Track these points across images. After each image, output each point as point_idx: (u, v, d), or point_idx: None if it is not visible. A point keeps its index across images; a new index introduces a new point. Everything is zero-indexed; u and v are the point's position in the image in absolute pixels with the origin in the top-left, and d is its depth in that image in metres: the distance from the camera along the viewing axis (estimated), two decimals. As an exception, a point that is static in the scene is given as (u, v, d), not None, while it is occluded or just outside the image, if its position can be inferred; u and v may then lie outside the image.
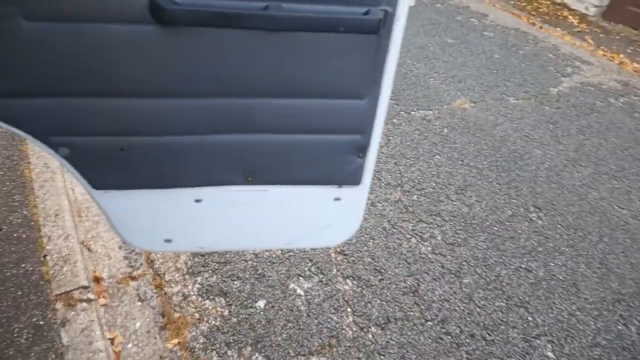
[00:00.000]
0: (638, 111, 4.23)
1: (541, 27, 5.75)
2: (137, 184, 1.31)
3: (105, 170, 1.26)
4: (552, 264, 2.59)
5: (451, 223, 2.73)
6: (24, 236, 2.29)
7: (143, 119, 1.20)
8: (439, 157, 3.26)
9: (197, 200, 1.38)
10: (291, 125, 1.32)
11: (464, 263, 2.50)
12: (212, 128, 1.26)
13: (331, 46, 1.21)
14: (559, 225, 2.85)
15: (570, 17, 6.23)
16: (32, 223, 2.37)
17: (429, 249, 2.54)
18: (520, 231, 2.76)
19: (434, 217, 2.76)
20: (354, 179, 1.48)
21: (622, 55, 5.25)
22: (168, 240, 1.44)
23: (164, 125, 1.22)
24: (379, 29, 1.17)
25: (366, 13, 1.17)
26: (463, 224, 2.74)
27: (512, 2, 6.51)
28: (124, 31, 1.08)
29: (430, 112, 3.76)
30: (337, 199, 1.53)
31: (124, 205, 1.34)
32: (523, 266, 2.55)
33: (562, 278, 2.52)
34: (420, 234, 2.63)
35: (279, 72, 1.22)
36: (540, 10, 6.37)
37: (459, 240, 2.63)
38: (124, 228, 1.39)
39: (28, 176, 2.63)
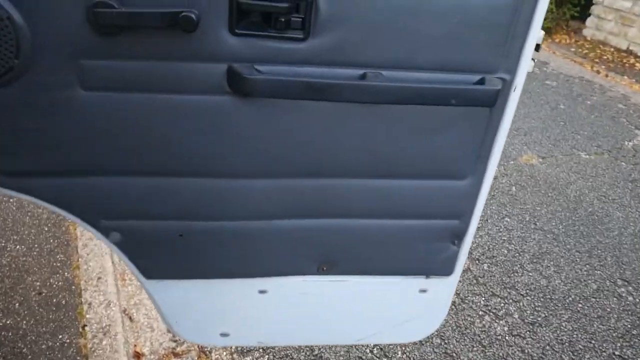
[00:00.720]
0: None
1: (607, 75, 5.44)
2: (195, 274, 1.12)
3: (160, 258, 1.08)
4: (651, 352, 2.22)
5: (528, 298, 2.41)
6: (63, 302, 2.15)
7: (207, 202, 1.02)
8: (508, 219, 2.97)
9: (262, 292, 1.18)
10: (379, 210, 1.11)
11: (548, 348, 2.17)
12: (286, 212, 1.07)
13: (435, 120, 1.00)
14: (654, 303, 2.48)
15: (637, 64, 5.89)
16: (73, 287, 2.23)
17: (506, 329, 2.23)
18: (609, 309, 2.41)
19: (508, 290, 2.45)
20: (445, 269, 1.24)
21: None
22: (225, 334, 1.24)
23: (230, 209, 1.04)
24: (496, 101, 0.96)
25: (480, 81, 0.97)
26: (542, 299, 2.42)
27: (573, 50, 6.24)
28: (193, 102, 0.91)
29: (496, 168, 3.50)
30: (423, 291, 1.29)
31: (178, 296, 1.15)
32: (617, 353, 2.19)
33: (665, 370, 2.14)
34: (494, 311, 2.32)
35: (370, 150, 1.02)
36: (605, 57, 6.06)
37: (539, 319, 2.31)
38: (176, 320, 1.19)
39: (73, 233, 2.52)
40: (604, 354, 2.18)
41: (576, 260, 2.70)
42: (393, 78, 0.94)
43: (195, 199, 1.01)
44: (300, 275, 1.18)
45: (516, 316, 2.31)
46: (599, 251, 2.78)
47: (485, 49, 0.95)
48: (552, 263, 2.66)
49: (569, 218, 3.04)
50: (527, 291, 2.46)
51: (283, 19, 0.84)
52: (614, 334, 2.28)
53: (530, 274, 2.57)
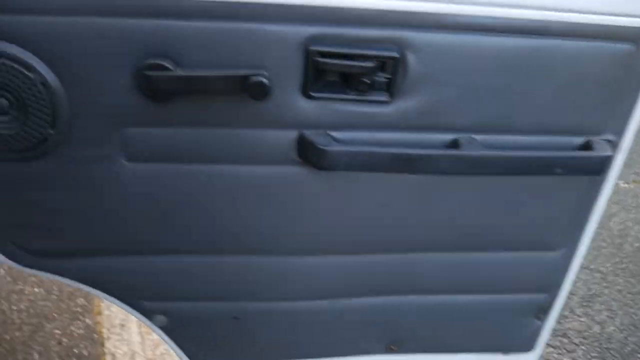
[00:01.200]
0: None
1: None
2: (250, 358, 0.98)
3: (211, 342, 0.94)
4: None
5: (584, 348, 2.23)
6: (85, 353, 2.01)
7: (268, 281, 0.89)
8: (552, 257, 2.80)
9: None
10: (458, 285, 0.97)
11: (609, 405, 1.99)
12: (354, 291, 0.93)
13: (530, 188, 0.87)
14: None
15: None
16: (95, 335, 2.10)
17: (561, 383, 2.05)
18: (670, 360, 2.22)
19: (560, 338, 2.27)
20: (527, 345, 1.10)
21: None
22: None
23: (292, 289, 0.91)
24: (605, 169, 0.83)
25: (586, 145, 0.83)
26: (598, 348, 2.24)
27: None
28: (256, 173, 0.78)
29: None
30: (500, 368, 1.15)
31: None
32: (686, 412, 2.00)
33: None
34: (547, 363, 2.14)
35: (454, 222, 0.88)
36: None
37: (597, 372, 2.13)
38: None
39: (94, 275, 2.39)
40: (672, 412, 1.99)
41: (629, 303, 2.52)
42: (488, 144, 0.81)
43: (254, 279, 0.88)
44: (368, 354, 1.04)
45: (571, 368, 2.13)
46: (652, 292, 2.60)
47: (591, 108, 0.82)
48: (603, 306, 2.48)
49: (616, 255, 2.86)
50: (581, 339, 2.28)
51: (367, 80, 0.71)
52: (679, 389, 2.09)
53: (582, 319, 2.39)
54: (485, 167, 0.78)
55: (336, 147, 0.73)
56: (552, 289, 1.03)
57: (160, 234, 0.82)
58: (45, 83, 0.68)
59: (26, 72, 0.67)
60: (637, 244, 2.96)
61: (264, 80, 0.66)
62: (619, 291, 2.59)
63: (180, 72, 0.67)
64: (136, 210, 0.80)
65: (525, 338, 1.09)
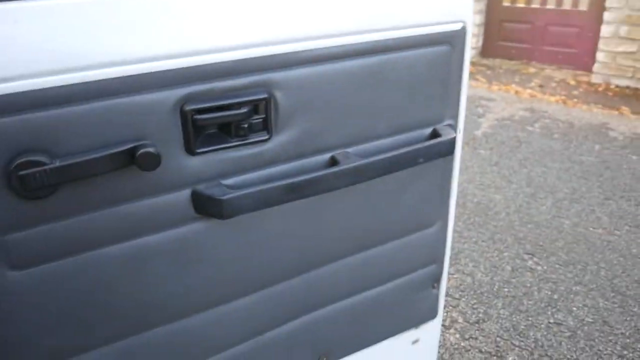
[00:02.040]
0: (555, 132, 4.50)
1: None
2: None
3: None
4: (574, 309, 2.48)
5: (464, 299, 2.54)
6: None
7: (195, 340, 0.88)
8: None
9: None
10: (363, 283, 1.07)
11: (498, 339, 2.30)
12: (272, 322, 0.97)
13: (401, 179, 1.00)
14: (557, 266, 2.79)
15: None
16: None
17: (457, 336, 2.31)
18: (528, 284, 2.65)
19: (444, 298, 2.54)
20: (431, 314, 1.25)
21: (513, 85, 5.69)
22: None
23: (219, 340, 0.91)
24: (454, 148, 0.99)
25: (435, 133, 0.99)
26: (475, 295, 2.56)
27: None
28: (156, 242, 0.77)
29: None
30: (416, 341, 1.28)
31: None
32: (552, 321, 2.40)
33: (591, 320, 2.41)
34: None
35: (349, 227, 0.98)
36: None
37: (481, 316, 2.44)
38: None
39: None
40: (542, 325, 2.38)
41: (486, 250, 2.93)
42: (359, 154, 0.92)
43: (183, 341, 0.87)
44: None
45: (460, 320, 2.41)
46: (499, 235, 3.06)
47: (430, 102, 0.98)
48: (468, 259, 2.85)
49: (463, 213, 3.30)
50: (460, 293, 2.59)
51: (244, 125, 0.77)
52: (542, 305, 2.50)
53: (455, 276, 2.71)
54: (365, 174, 0.88)
55: (232, 194, 0.76)
56: (439, 258, 1.18)
57: (67, 337, 0.76)
58: None
59: None
60: (475, 200, 3.45)
61: (152, 150, 0.67)
62: (475, 242, 3.00)
63: (58, 164, 0.64)
64: (36, 319, 0.73)
65: (428, 308, 1.24)
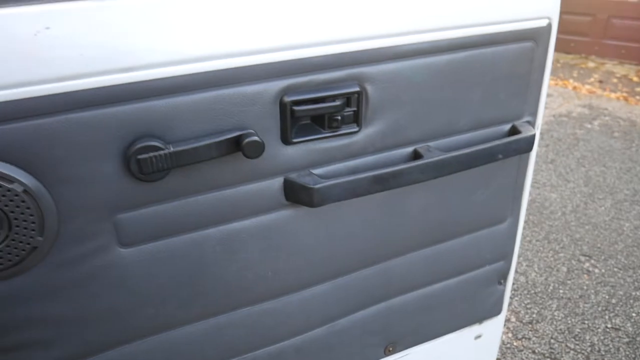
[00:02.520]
0: (616, 130, 4.32)
1: None
2: None
3: None
4: (634, 314, 2.40)
5: (517, 298, 2.50)
6: None
7: (273, 323, 0.92)
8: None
9: None
10: (433, 275, 1.08)
11: (552, 340, 2.25)
12: (349, 308, 0.99)
13: (479, 176, 1.01)
14: (615, 269, 2.70)
15: None
16: None
17: (510, 335, 2.28)
18: (585, 287, 2.57)
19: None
20: (496, 310, 1.25)
21: (571, 81, 5.48)
22: None
23: (295, 324, 0.94)
24: (533, 145, 0.98)
25: (514, 129, 0.99)
26: (528, 295, 2.52)
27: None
28: (250, 226, 0.81)
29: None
30: (479, 337, 1.28)
31: None
32: (609, 326, 2.33)
33: (651, 327, 2.32)
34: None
35: (426, 220, 0.99)
36: None
37: (535, 316, 2.39)
38: None
39: None
40: (599, 329, 2.32)
41: (539, 249, 2.86)
42: (441, 148, 0.93)
43: (263, 324, 0.91)
44: None
45: (513, 320, 2.37)
46: (555, 234, 2.98)
47: (511, 98, 0.97)
48: (521, 258, 2.80)
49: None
50: (513, 292, 2.55)
51: (338, 117, 0.79)
52: (599, 309, 2.43)
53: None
54: (447, 168, 0.89)
55: (324, 184, 0.79)
56: (508, 255, 1.18)
57: (163, 312, 0.81)
58: (28, 190, 0.65)
59: (5, 185, 0.64)
60: (530, 198, 3.38)
61: (258, 138, 0.70)
62: (529, 241, 2.94)
63: (172, 149, 0.68)
64: (137, 293, 0.78)
65: (493, 304, 1.23)
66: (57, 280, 0.72)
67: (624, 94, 5.07)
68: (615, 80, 5.51)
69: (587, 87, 5.28)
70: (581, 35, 6.21)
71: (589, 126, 4.41)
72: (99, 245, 0.73)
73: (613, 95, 5.06)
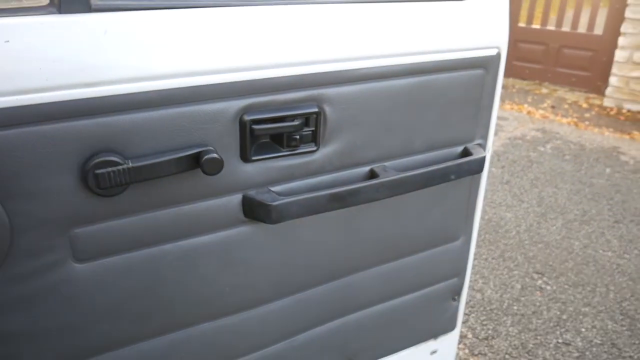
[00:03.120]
0: (567, 153, 4.54)
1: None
2: None
3: None
4: (583, 329, 2.50)
5: (474, 315, 2.56)
6: None
7: (231, 340, 0.92)
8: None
9: None
10: (390, 291, 1.11)
11: (507, 356, 2.32)
12: (308, 323, 1.01)
13: (433, 196, 1.05)
14: (566, 286, 2.81)
15: None
16: None
17: (467, 351, 2.34)
18: (537, 303, 2.67)
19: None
20: (450, 325, 1.29)
21: (526, 105, 5.73)
22: None
23: (252, 340, 0.95)
24: (483, 167, 1.04)
25: (465, 151, 1.04)
26: (484, 312, 2.59)
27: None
28: (207, 242, 0.82)
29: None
30: (434, 352, 1.32)
31: None
32: (560, 341, 2.43)
33: (599, 342, 2.43)
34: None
35: (381, 238, 1.02)
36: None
37: (490, 332, 2.46)
38: None
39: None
40: (551, 345, 2.40)
41: (495, 267, 2.95)
42: (396, 168, 0.97)
43: (220, 342, 0.91)
44: None
45: (470, 336, 2.43)
46: (509, 252, 3.08)
47: (464, 122, 1.03)
48: (478, 275, 2.88)
49: (480, 232, 3.32)
50: (469, 309, 2.61)
51: (297, 136, 0.81)
52: (551, 324, 2.52)
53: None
54: (402, 187, 0.93)
55: (282, 201, 0.81)
56: (461, 271, 1.22)
57: (120, 327, 0.80)
58: None
59: None
60: (486, 217, 3.49)
61: (217, 155, 0.72)
62: (485, 259, 3.03)
63: (130, 164, 0.69)
64: (91, 309, 0.78)
65: (448, 320, 1.27)
66: (9, 295, 0.70)
67: (575, 119, 5.34)
68: (566, 106, 5.79)
69: (541, 111, 5.54)
70: (535, 62, 6.52)
71: (542, 149, 4.61)
72: (53, 260, 0.72)
73: (564, 120, 5.32)
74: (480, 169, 1.03)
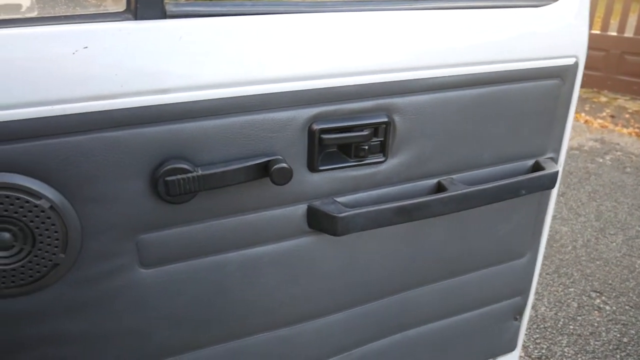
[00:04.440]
0: (628, 166, 4.30)
1: None
2: None
3: None
4: (645, 355, 2.34)
5: (526, 332, 2.45)
6: None
7: (290, 351, 0.90)
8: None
9: None
10: (450, 308, 1.07)
11: (562, 379, 2.21)
12: (363, 338, 0.98)
13: (500, 211, 1.00)
14: (627, 307, 2.65)
15: None
16: None
17: (519, 371, 2.24)
18: (595, 323, 2.53)
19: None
20: (510, 345, 1.22)
21: (583, 114, 5.49)
22: None
23: (313, 350, 0.92)
24: (555, 182, 0.98)
25: (537, 165, 0.99)
26: (537, 329, 2.48)
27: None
28: (271, 252, 0.81)
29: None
30: (492, 373, 1.25)
31: None
32: (620, 366, 2.28)
33: (663, 370, 2.27)
34: None
35: (444, 253, 0.98)
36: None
37: (544, 352, 2.35)
38: None
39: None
40: (610, 369, 2.26)
41: (550, 283, 2.82)
42: (464, 181, 0.92)
43: (278, 352, 0.89)
44: None
45: (522, 354, 2.33)
46: (565, 268, 2.94)
47: (536, 134, 0.97)
48: (531, 291, 2.76)
49: (527, 243, 3.20)
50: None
51: (365, 146, 0.79)
52: (610, 347, 2.38)
53: (518, 307, 2.63)
54: (469, 202, 0.89)
55: (348, 213, 0.79)
56: (525, 290, 1.16)
57: (181, 335, 0.80)
58: (54, 207, 0.65)
59: (33, 200, 0.64)
60: (539, 229, 3.35)
61: (287, 165, 0.70)
62: (539, 275, 2.90)
63: (200, 172, 0.68)
64: (153, 315, 0.78)
65: (508, 340, 1.21)
66: (76, 298, 0.71)
67: (636, 130, 5.06)
68: (627, 115, 5.50)
69: (599, 121, 5.28)
70: (594, 69, 6.24)
71: (601, 160, 4.39)
72: (120, 265, 0.72)
73: (625, 130, 5.06)
74: (552, 185, 0.97)
